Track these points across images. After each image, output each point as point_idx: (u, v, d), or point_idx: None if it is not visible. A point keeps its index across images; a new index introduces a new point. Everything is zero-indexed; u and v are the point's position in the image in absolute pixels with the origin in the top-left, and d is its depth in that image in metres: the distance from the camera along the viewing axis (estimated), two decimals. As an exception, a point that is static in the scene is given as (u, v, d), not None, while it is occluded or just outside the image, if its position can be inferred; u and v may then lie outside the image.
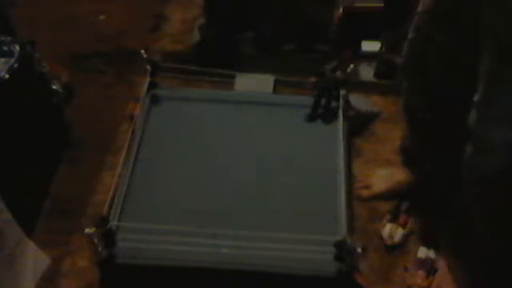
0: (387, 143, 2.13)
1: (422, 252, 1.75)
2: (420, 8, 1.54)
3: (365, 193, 1.94)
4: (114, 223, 1.56)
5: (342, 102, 1.94)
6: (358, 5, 2.29)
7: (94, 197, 1.99)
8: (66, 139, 2.18)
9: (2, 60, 1.82)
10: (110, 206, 1.61)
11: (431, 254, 1.73)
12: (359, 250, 1.47)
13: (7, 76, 1.79)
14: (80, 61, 2.58)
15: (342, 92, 1.95)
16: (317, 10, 2.33)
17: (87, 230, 1.49)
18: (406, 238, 1.81)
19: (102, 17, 2.87)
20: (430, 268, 1.69)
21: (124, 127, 2.15)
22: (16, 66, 1.82)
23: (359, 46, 2.34)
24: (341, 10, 2.30)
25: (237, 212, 1.66)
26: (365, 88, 2.32)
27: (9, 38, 1.90)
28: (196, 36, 2.57)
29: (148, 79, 2.01)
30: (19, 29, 2.22)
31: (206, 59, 2.26)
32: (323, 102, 1.94)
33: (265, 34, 2.39)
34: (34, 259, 1.74)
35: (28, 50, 1.91)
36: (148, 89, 2.00)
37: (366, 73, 2.35)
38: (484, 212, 1.39)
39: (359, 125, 2.15)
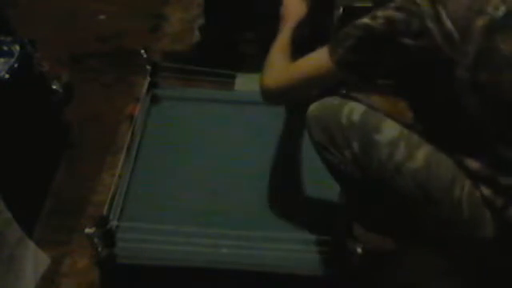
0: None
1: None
2: None
3: None
4: (114, 223, 1.56)
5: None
6: (357, 5, 2.29)
7: (94, 197, 1.99)
8: (66, 139, 2.18)
9: (2, 60, 1.82)
10: (110, 206, 1.60)
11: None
12: (359, 250, 1.47)
13: (7, 76, 1.79)
14: (80, 61, 2.59)
15: (342, 92, 1.94)
16: (317, 9, 2.33)
17: (87, 230, 1.49)
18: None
19: (102, 17, 2.88)
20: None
21: (124, 127, 2.15)
22: (16, 66, 1.82)
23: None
24: (341, 10, 2.30)
25: (237, 212, 1.66)
26: (365, 88, 2.31)
27: (9, 38, 1.90)
28: (196, 36, 2.57)
29: (148, 79, 2.01)
30: (19, 29, 2.22)
31: (206, 59, 2.26)
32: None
33: (265, 33, 2.39)
34: (34, 259, 1.74)
35: (28, 50, 1.91)
36: (148, 89, 2.00)
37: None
38: None
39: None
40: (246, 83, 2.18)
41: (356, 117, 1.45)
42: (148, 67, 2.01)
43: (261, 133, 1.92)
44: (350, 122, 1.45)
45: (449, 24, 1.28)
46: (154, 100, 2.00)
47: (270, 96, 1.54)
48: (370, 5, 1.98)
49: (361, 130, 1.44)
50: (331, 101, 1.52)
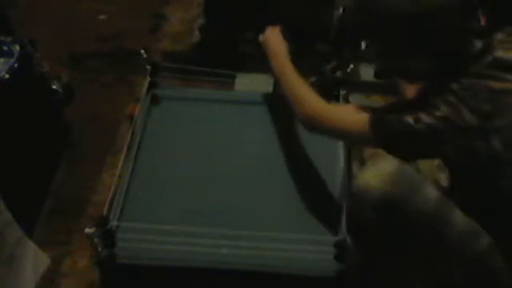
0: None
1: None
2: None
3: None
4: (114, 223, 1.55)
5: (341, 102, 1.94)
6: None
7: (94, 197, 1.99)
8: (66, 139, 2.18)
9: (2, 60, 1.82)
10: (110, 206, 1.60)
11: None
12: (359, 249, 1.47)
13: (7, 76, 1.79)
14: (80, 61, 2.59)
15: (342, 92, 1.95)
16: (317, 9, 2.34)
17: (87, 230, 1.49)
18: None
19: (102, 17, 2.88)
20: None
21: (124, 127, 2.15)
22: (16, 65, 1.82)
23: (359, 45, 2.34)
24: (341, 10, 2.30)
25: (237, 212, 1.66)
26: (365, 88, 2.32)
27: (9, 38, 1.90)
28: (196, 36, 2.57)
29: (148, 79, 2.00)
30: (19, 29, 2.22)
31: (206, 59, 2.26)
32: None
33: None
34: (34, 259, 1.74)
35: (28, 50, 1.91)
36: (148, 89, 1.99)
37: (366, 73, 2.35)
38: None
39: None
40: (245, 83, 2.18)
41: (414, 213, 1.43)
42: (148, 67, 2.00)
43: (261, 133, 1.91)
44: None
45: (497, 144, 1.27)
46: (154, 100, 2.00)
47: (310, 125, 1.59)
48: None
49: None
50: (396, 182, 1.45)
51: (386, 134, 1.37)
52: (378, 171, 1.47)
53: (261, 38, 1.83)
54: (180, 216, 1.62)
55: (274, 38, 1.79)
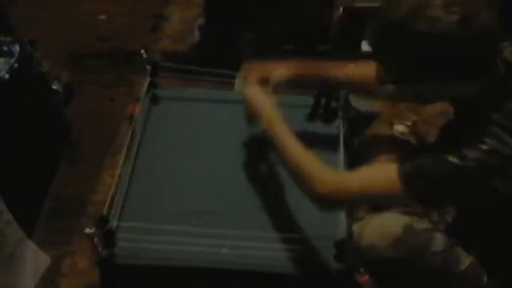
0: (387, 143, 2.12)
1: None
2: None
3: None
4: (114, 223, 1.55)
5: (342, 102, 1.94)
6: (358, 5, 2.29)
7: (94, 197, 1.99)
8: (66, 139, 2.18)
9: (2, 60, 1.82)
10: (110, 206, 1.60)
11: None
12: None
13: (7, 76, 1.79)
14: (80, 61, 2.59)
15: (342, 92, 1.94)
16: (317, 9, 2.34)
17: (87, 230, 1.49)
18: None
19: (102, 17, 2.88)
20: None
21: (124, 127, 2.15)
22: (16, 65, 1.82)
23: (359, 45, 2.34)
24: (341, 10, 2.30)
25: (237, 212, 1.66)
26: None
27: (9, 38, 1.90)
28: (196, 36, 2.57)
29: (148, 79, 2.00)
30: (19, 28, 2.22)
31: (206, 59, 2.26)
32: (323, 101, 1.94)
33: (265, 33, 2.39)
34: (34, 259, 1.74)
35: (28, 50, 1.91)
36: (148, 89, 1.99)
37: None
38: None
39: (359, 125, 2.15)
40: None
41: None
42: (148, 67, 2.00)
43: (261, 133, 1.91)
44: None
45: None
46: (154, 100, 2.00)
47: (325, 204, 1.45)
48: (369, 5, 1.98)
49: None
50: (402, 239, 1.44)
51: (424, 180, 1.27)
52: (382, 231, 1.44)
53: (239, 86, 1.68)
54: (180, 216, 1.62)
55: (257, 98, 1.66)
